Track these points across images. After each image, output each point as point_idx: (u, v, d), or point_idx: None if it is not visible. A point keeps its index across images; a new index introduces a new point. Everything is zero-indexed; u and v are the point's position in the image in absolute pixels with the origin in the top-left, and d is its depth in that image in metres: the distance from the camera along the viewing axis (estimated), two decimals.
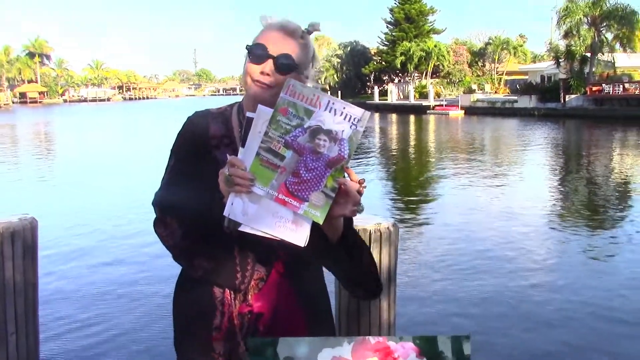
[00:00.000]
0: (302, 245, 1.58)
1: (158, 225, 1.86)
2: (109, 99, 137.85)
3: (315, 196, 1.54)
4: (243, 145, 1.58)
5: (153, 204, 1.89)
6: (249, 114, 1.60)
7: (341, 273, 1.86)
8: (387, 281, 2.97)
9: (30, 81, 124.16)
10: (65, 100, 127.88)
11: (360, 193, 1.63)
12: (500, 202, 12.89)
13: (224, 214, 1.60)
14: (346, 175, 1.59)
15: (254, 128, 1.56)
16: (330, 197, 1.55)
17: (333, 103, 1.52)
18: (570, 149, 25.68)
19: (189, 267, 1.86)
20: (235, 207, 1.58)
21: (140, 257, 8.49)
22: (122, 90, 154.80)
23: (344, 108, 1.52)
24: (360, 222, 2.88)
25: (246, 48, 1.83)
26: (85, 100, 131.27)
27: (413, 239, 9.70)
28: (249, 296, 1.82)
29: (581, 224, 10.85)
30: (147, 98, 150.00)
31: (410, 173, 18.72)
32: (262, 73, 1.77)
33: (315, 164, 1.53)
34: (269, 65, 1.77)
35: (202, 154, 1.86)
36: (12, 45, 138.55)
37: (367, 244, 2.87)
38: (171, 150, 1.93)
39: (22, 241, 3.16)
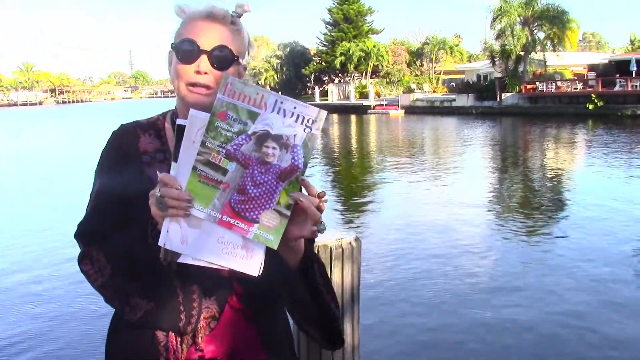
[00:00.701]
0: (256, 275, 1.33)
1: (83, 261, 1.54)
2: (40, 103, 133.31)
3: (266, 216, 1.30)
4: (175, 160, 1.31)
5: (76, 236, 1.58)
6: (179, 122, 1.32)
7: (297, 308, 1.61)
8: (349, 301, 2.72)
9: None
10: None
11: (320, 210, 1.36)
12: (441, 201, 12.89)
13: (159, 243, 1.32)
14: (302, 189, 1.34)
15: (187, 138, 1.29)
16: (285, 216, 1.31)
17: (282, 102, 1.27)
18: (508, 146, 26.18)
19: (124, 310, 1.54)
20: (172, 235, 1.31)
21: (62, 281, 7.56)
22: (55, 94, 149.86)
23: (295, 108, 1.27)
24: (319, 238, 2.62)
25: (172, 47, 1.54)
26: (15, 105, 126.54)
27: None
28: (199, 339, 1.52)
29: (519, 220, 10.97)
30: (82, 101, 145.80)
31: (353, 174, 18.64)
32: (197, 73, 1.49)
33: (265, 177, 1.28)
34: (203, 63, 1.49)
35: (132, 173, 1.56)
36: None
37: (328, 261, 2.62)
38: (95, 172, 1.62)
39: None
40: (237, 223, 1.30)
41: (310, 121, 1.28)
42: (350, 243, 2.68)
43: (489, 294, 6.96)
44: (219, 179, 1.29)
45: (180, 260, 1.33)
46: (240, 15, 1.58)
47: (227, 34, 1.52)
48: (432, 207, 12.01)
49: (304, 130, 1.27)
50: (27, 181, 17.44)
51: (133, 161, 1.57)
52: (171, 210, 1.29)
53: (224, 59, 1.50)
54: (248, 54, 1.62)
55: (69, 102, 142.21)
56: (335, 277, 2.64)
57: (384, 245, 9.06)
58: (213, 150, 1.28)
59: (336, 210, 12.03)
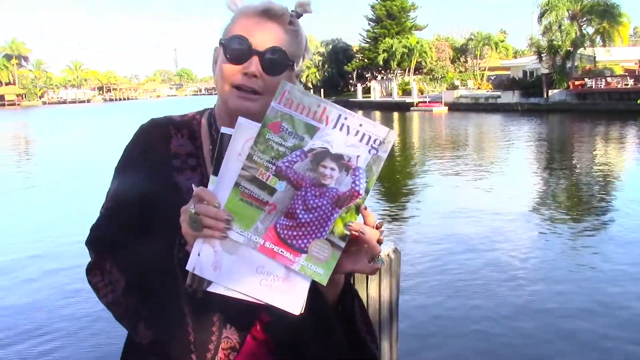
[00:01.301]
0: (297, 314, 1.14)
1: (93, 272, 1.37)
2: (88, 101, 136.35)
3: (317, 246, 1.12)
4: (216, 173, 1.13)
5: (87, 242, 1.39)
6: (224, 130, 1.15)
7: (330, 347, 1.39)
8: (387, 318, 2.52)
9: (7, 83, 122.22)
10: (44, 103, 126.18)
11: (379, 242, 1.17)
12: (486, 205, 12.51)
13: (188, 267, 1.14)
14: (360, 217, 1.15)
15: (232, 149, 1.12)
16: (338, 247, 1.13)
17: (346, 118, 1.10)
18: (556, 144, 25.44)
19: (132, 332, 1.37)
20: (204, 259, 1.13)
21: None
22: (102, 91, 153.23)
23: (361, 125, 1.10)
24: None
25: (220, 44, 1.35)
26: (64, 102, 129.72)
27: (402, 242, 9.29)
28: None
29: (568, 223, 10.54)
30: (128, 99, 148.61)
31: (393, 175, 18.21)
32: (245, 75, 1.31)
33: (319, 201, 1.11)
34: (254, 64, 1.30)
35: (158, 177, 1.37)
36: None
37: (364, 275, 2.42)
38: (116, 169, 1.43)
39: None
40: (281, 251, 1.13)
41: (377, 142, 1.10)
42: (388, 255, 2.48)
43: (535, 300, 6.65)
44: (265, 199, 1.12)
45: (210, 288, 1.15)
46: (300, 16, 1.40)
47: (283, 34, 1.34)
48: (477, 212, 11.46)
49: (369, 151, 1.10)
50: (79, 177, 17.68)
51: (161, 163, 1.39)
52: (206, 230, 1.12)
53: (277, 63, 1.33)
54: (303, 59, 1.44)
55: (116, 99, 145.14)
56: (372, 292, 2.45)
57: (425, 256, 8.59)
58: (261, 165, 1.11)
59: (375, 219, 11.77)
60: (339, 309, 1.34)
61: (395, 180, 16.70)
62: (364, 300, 2.42)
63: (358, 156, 1.10)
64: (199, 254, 1.13)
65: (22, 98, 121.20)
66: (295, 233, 1.12)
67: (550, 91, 46.89)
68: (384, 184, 15.77)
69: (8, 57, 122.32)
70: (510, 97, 49.74)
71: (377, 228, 1.16)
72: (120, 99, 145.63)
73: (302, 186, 1.11)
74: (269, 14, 1.34)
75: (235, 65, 1.32)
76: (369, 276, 2.43)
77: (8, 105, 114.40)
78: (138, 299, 1.33)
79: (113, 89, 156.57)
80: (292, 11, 1.38)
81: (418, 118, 45.98)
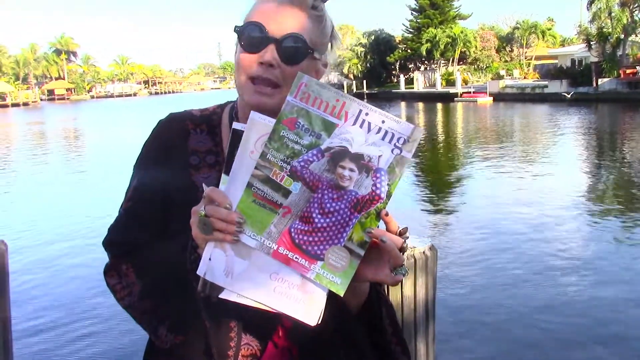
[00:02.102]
0: (313, 325, 1.07)
1: (110, 273, 1.31)
2: (135, 94, 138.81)
3: (334, 253, 1.05)
4: (227, 172, 1.06)
5: (104, 243, 1.34)
6: (236, 125, 1.07)
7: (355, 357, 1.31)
8: (423, 318, 2.41)
9: (57, 78, 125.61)
10: (92, 96, 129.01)
11: (402, 250, 1.07)
12: (532, 200, 12.16)
13: (199, 272, 1.08)
14: (381, 224, 1.06)
15: (244, 147, 1.04)
16: (357, 255, 1.05)
17: (367, 113, 1.02)
18: (606, 134, 24.62)
19: (153, 337, 1.31)
20: (215, 264, 1.06)
21: None
22: (148, 85, 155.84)
23: (383, 122, 1.02)
24: None
25: (235, 31, 1.26)
26: (111, 96, 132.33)
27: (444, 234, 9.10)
28: None
29: (617, 214, 10.14)
30: (173, 92, 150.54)
31: (434, 168, 17.92)
32: (261, 64, 1.21)
33: (337, 204, 1.04)
34: (269, 53, 1.21)
35: (175, 175, 1.30)
36: (39, 43, 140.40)
37: None
38: (134, 166, 1.37)
39: None
40: (296, 258, 1.06)
41: (402, 140, 1.02)
42: (424, 252, 2.37)
43: (580, 297, 6.41)
44: (279, 201, 1.05)
45: (223, 295, 1.09)
46: (325, 0, 1.29)
47: (305, 20, 1.24)
48: (521, 207, 11.10)
49: (392, 151, 1.02)
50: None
51: (178, 160, 1.32)
52: (217, 233, 1.05)
53: (295, 51, 1.23)
54: (331, 47, 1.33)
55: (161, 93, 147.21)
56: (408, 291, 2.34)
57: (463, 254, 8.35)
58: (275, 165, 1.04)
59: (413, 213, 11.55)
60: (365, 317, 1.26)
61: (438, 173, 16.45)
62: (399, 300, 2.32)
63: (380, 156, 1.02)
64: (210, 259, 1.07)
65: (71, 92, 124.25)
66: (311, 239, 1.05)
67: (599, 80, 45.58)
68: (427, 177, 15.55)
69: (57, 52, 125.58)
70: (557, 86, 48.53)
71: (400, 235, 1.06)
72: (165, 93, 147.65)
73: (319, 188, 1.04)
74: None
75: (251, 55, 1.23)
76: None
77: (58, 99, 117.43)
78: (155, 303, 1.27)
79: (158, 83, 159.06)
80: None
81: (462, 109, 45.28)
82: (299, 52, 1.23)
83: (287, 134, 1.03)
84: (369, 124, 1.02)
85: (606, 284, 6.86)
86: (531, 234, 8.94)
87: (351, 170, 1.02)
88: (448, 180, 15.05)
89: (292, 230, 1.05)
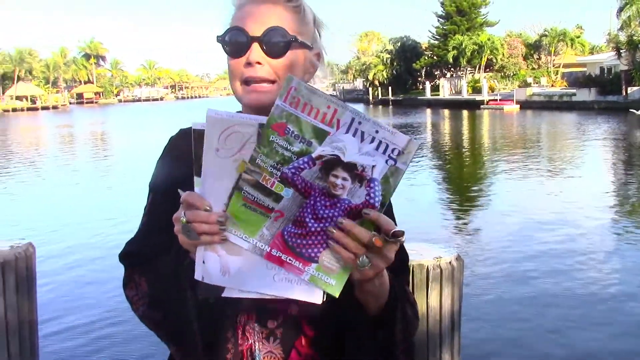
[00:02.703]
0: (319, 303, 1.07)
1: (129, 285, 1.32)
2: (161, 98, 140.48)
3: (328, 256, 1.05)
4: (199, 174, 1.06)
5: (120, 256, 1.35)
6: (195, 126, 1.06)
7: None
8: (449, 329, 2.37)
9: (86, 82, 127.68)
10: (119, 100, 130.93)
11: (372, 245, 1.03)
12: (560, 205, 11.97)
13: (196, 277, 1.08)
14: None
15: (208, 146, 1.03)
16: None
17: (359, 122, 1.00)
18: (637, 143, 24.19)
19: (168, 346, 1.31)
20: (210, 266, 1.07)
21: None
22: (175, 90, 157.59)
23: (377, 132, 1.00)
24: (413, 255, 2.29)
25: (217, 40, 1.28)
26: (139, 100, 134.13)
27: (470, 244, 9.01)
28: None
29: None
30: (199, 97, 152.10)
31: (460, 177, 17.73)
32: (249, 65, 1.22)
33: (329, 211, 1.03)
34: (254, 52, 1.22)
35: (188, 189, 1.31)
36: (68, 47, 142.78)
37: (424, 283, 2.28)
38: (149, 184, 1.38)
39: (15, 273, 2.69)
40: (289, 260, 1.05)
41: (396, 152, 0.99)
42: (450, 262, 2.33)
43: (611, 312, 6.29)
44: (270, 205, 1.04)
45: (225, 294, 1.08)
46: None
47: (282, 12, 1.25)
48: (548, 215, 10.94)
49: (386, 161, 1.00)
50: None
51: (188, 176, 1.32)
52: (203, 237, 1.05)
53: (278, 43, 1.23)
54: (320, 36, 1.34)
55: (188, 97, 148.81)
56: (433, 301, 2.31)
57: (489, 263, 8.20)
58: (265, 170, 1.02)
59: (440, 222, 11.45)
60: (380, 320, 1.22)
61: (464, 181, 16.33)
62: (424, 310, 2.29)
63: (373, 166, 1.00)
64: (203, 262, 1.07)
65: (100, 96, 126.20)
66: (304, 242, 1.04)
67: (629, 88, 44.91)
68: (453, 185, 15.45)
69: (87, 57, 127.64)
70: (586, 94, 47.93)
71: (394, 236, 1.03)
72: (191, 97, 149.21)
73: (311, 195, 1.02)
74: None
75: (238, 59, 1.24)
76: (430, 284, 2.29)
77: (87, 103, 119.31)
78: (162, 314, 1.27)
79: (185, 87, 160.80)
80: None
81: (488, 116, 44.94)
82: (281, 44, 1.23)
83: (277, 140, 1.02)
84: (362, 133, 0.99)
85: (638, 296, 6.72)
86: (559, 244, 8.80)
87: (344, 179, 1.01)
88: (474, 189, 14.91)
89: (285, 233, 1.04)
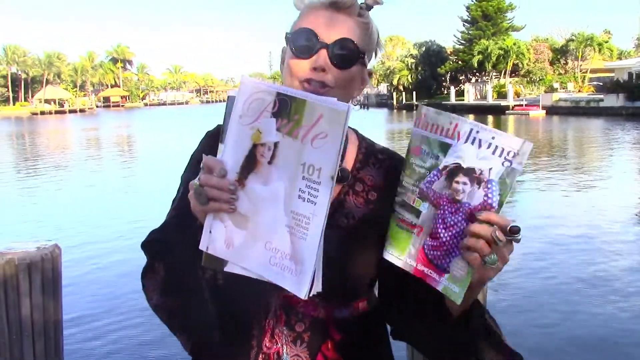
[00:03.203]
0: (303, 297, 1.03)
1: (148, 275, 1.29)
2: (187, 102, 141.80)
3: (456, 265, 1.11)
4: (222, 140, 1.06)
5: (142, 244, 1.32)
6: (230, 92, 1.07)
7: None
8: None
9: (113, 86, 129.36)
10: (145, 104, 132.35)
11: (493, 241, 1.05)
12: (587, 215, 11.79)
13: (201, 247, 1.07)
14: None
15: (234, 111, 1.04)
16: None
17: (477, 131, 1.08)
18: None
19: (179, 339, 1.30)
20: (216, 237, 1.06)
21: None
22: (200, 94, 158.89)
23: (493, 138, 1.07)
24: None
25: (286, 38, 1.29)
26: (164, 104, 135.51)
27: None
28: None
29: None
30: (223, 101, 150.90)
31: None
32: (314, 70, 1.23)
33: (455, 217, 1.10)
34: (322, 58, 1.23)
35: None
36: (96, 51, 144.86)
37: None
38: (182, 175, 1.37)
39: (42, 274, 2.73)
40: (430, 272, 1.13)
41: (511, 154, 1.06)
42: None
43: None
44: (413, 221, 1.15)
45: (227, 269, 1.08)
46: (370, 8, 1.31)
47: (353, 26, 1.27)
48: (575, 226, 10.78)
49: (502, 164, 1.06)
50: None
51: None
52: (212, 203, 1.04)
53: (347, 56, 1.25)
54: (375, 55, 1.36)
55: (212, 101, 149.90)
56: None
57: (510, 270, 8.01)
58: (408, 190, 1.16)
59: None
60: (464, 321, 1.22)
61: None
62: None
63: (490, 169, 1.06)
64: (210, 232, 1.06)
65: (126, 100, 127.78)
66: (439, 253, 1.11)
67: None
68: None
69: (114, 61, 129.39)
70: (614, 100, 47.28)
71: (511, 232, 1.05)
72: (216, 101, 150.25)
73: (441, 205, 1.10)
74: (336, 5, 1.26)
75: (303, 60, 1.25)
76: None
77: (113, 106, 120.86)
78: (175, 300, 1.25)
79: (210, 91, 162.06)
80: (361, 3, 1.30)
81: (514, 122, 44.54)
82: (349, 57, 1.25)
83: (415, 161, 1.14)
84: (480, 140, 1.06)
85: None
86: (582, 253, 8.66)
87: (464, 183, 1.07)
88: None
89: (425, 246, 1.12)
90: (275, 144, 1.01)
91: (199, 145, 1.39)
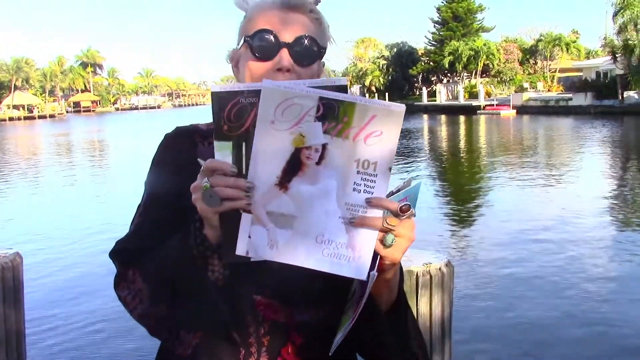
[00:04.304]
0: (365, 278, 1.06)
1: (120, 285, 1.26)
2: (159, 106, 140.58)
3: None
4: (219, 139, 1.05)
5: (110, 254, 1.29)
6: (214, 88, 1.04)
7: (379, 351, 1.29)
8: (439, 336, 2.35)
9: (83, 90, 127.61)
10: (117, 109, 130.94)
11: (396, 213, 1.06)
12: (557, 210, 11.95)
13: (239, 252, 1.05)
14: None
15: (263, 117, 1.02)
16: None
17: None
18: (634, 148, 24.22)
19: (173, 344, 1.28)
20: (256, 240, 1.06)
21: None
22: (172, 97, 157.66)
23: None
24: (403, 261, 2.27)
25: (245, 40, 1.26)
26: (136, 108, 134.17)
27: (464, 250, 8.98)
28: None
29: None
30: (196, 104, 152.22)
31: (454, 183, 17.62)
32: (278, 70, 1.22)
33: None
34: (285, 58, 1.22)
35: (186, 188, 1.27)
36: (65, 55, 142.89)
37: (414, 289, 2.26)
38: (145, 183, 1.34)
39: (1, 283, 2.66)
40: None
41: None
42: (440, 269, 2.31)
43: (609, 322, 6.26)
44: None
45: (268, 257, 1.07)
46: (318, 2, 1.31)
47: (308, 23, 1.26)
48: (545, 221, 10.83)
49: None
50: None
51: (187, 172, 1.23)
52: (226, 203, 1.03)
53: (308, 53, 1.24)
54: (327, 48, 1.35)
55: (185, 105, 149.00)
56: (423, 308, 2.28)
57: (481, 270, 8.06)
58: None
59: (433, 226, 11.39)
60: (392, 317, 1.23)
61: (459, 186, 16.31)
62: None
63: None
64: (250, 237, 1.05)
65: (97, 104, 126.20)
66: None
67: (625, 93, 45.07)
68: (448, 190, 15.43)
69: (84, 65, 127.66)
70: (582, 99, 48.10)
71: (402, 211, 1.03)
72: (188, 105, 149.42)
73: None
74: (289, 4, 1.25)
75: (264, 62, 1.23)
76: (420, 291, 2.27)
77: (84, 111, 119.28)
78: (168, 307, 1.23)
79: (182, 95, 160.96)
80: None
81: (485, 121, 45.02)
82: (311, 54, 1.25)
83: None
84: None
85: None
86: (554, 250, 8.76)
87: None
88: (470, 194, 14.89)
89: None
90: (324, 146, 1.02)
91: (161, 148, 1.35)
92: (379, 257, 1.06)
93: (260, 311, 1.23)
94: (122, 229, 1.30)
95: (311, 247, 1.05)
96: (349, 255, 1.05)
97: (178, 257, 1.16)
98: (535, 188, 14.64)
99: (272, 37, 1.23)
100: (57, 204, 14.98)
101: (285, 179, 1.03)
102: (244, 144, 1.04)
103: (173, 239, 1.18)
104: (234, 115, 1.04)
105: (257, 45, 1.24)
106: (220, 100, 1.04)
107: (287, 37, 1.23)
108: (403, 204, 1.04)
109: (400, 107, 1.02)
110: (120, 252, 1.28)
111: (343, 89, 1.02)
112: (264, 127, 1.02)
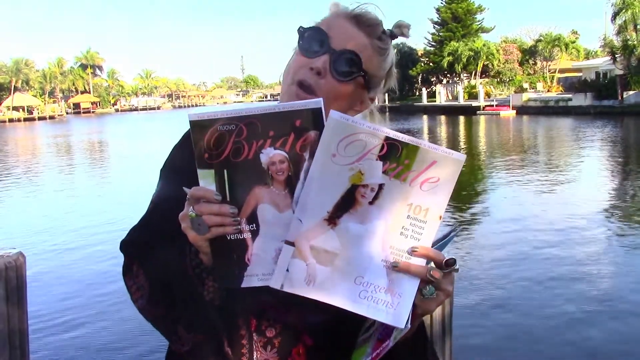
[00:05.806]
0: (403, 327, 1.04)
1: (128, 275, 1.28)
2: (158, 108, 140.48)
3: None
4: (201, 166, 1.05)
5: (121, 244, 1.31)
6: (192, 117, 1.04)
7: None
8: (440, 334, 2.36)
9: (83, 92, 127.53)
10: (116, 110, 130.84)
11: (441, 266, 1.05)
12: (557, 210, 11.97)
13: (273, 285, 1.05)
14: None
15: (326, 149, 1.01)
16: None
17: None
18: (634, 148, 24.20)
19: (171, 339, 1.28)
20: (295, 275, 1.05)
21: None
22: (172, 99, 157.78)
23: None
24: None
25: (298, 31, 1.26)
26: (136, 109, 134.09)
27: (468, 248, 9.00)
28: None
29: None
30: (196, 105, 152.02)
31: (462, 178, 17.59)
32: (310, 69, 1.21)
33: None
34: (322, 61, 1.21)
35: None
36: (65, 57, 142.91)
37: None
38: (161, 169, 1.36)
39: (5, 282, 2.68)
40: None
41: None
42: None
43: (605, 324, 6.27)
44: None
45: (244, 285, 1.07)
46: (394, 37, 1.30)
47: (367, 46, 1.25)
48: (545, 221, 10.94)
49: None
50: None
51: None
52: (214, 229, 1.03)
53: (347, 68, 1.22)
54: (384, 85, 1.34)
55: (185, 106, 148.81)
56: None
57: (482, 266, 8.19)
58: None
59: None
60: (410, 344, 1.23)
61: (459, 186, 16.29)
62: None
63: None
64: (287, 270, 1.04)
65: (96, 106, 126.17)
66: None
67: (625, 93, 45.09)
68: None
69: (83, 67, 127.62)
70: (582, 99, 48.12)
71: (447, 265, 1.03)
72: (188, 106, 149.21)
73: None
74: (359, 19, 1.26)
75: (304, 59, 1.23)
76: None
77: (83, 112, 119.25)
78: (165, 306, 1.24)
79: (182, 96, 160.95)
80: (388, 29, 1.30)
81: (485, 122, 45.02)
82: (350, 70, 1.23)
83: None
84: None
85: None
86: (554, 250, 8.78)
87: None
88: (469, 194, 14.90)
89: None
90: (380, 186, 1.01)
91: (180, 144, 1.36)
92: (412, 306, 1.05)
93: (271, 313, 1.23)
94: (123, 229, 1.32)
95: (349, 288, 1.04)
96: (387, 301, 1.03)
97: (176, 272, 1.17)
98: (535, 188, 14.66)
99: (322, 38, 1.23)
100: (58, 203, 14.99)
101: (336, 214, 1.02)
102: (225, 171, 1.04)
103: (174, 251, 1.18)
104: (213, 143, 1.03)
105: (306, 39, 1.24)
106: (199, 128, 1.03)
107: (337, 44, 1.22)
108: (449, 258, 1.03)
109: (461, 157, 1.01)
110: (129, 245, 1.30)
111: (317, 111, 0.99)
112: (324, 158, 1.01)
